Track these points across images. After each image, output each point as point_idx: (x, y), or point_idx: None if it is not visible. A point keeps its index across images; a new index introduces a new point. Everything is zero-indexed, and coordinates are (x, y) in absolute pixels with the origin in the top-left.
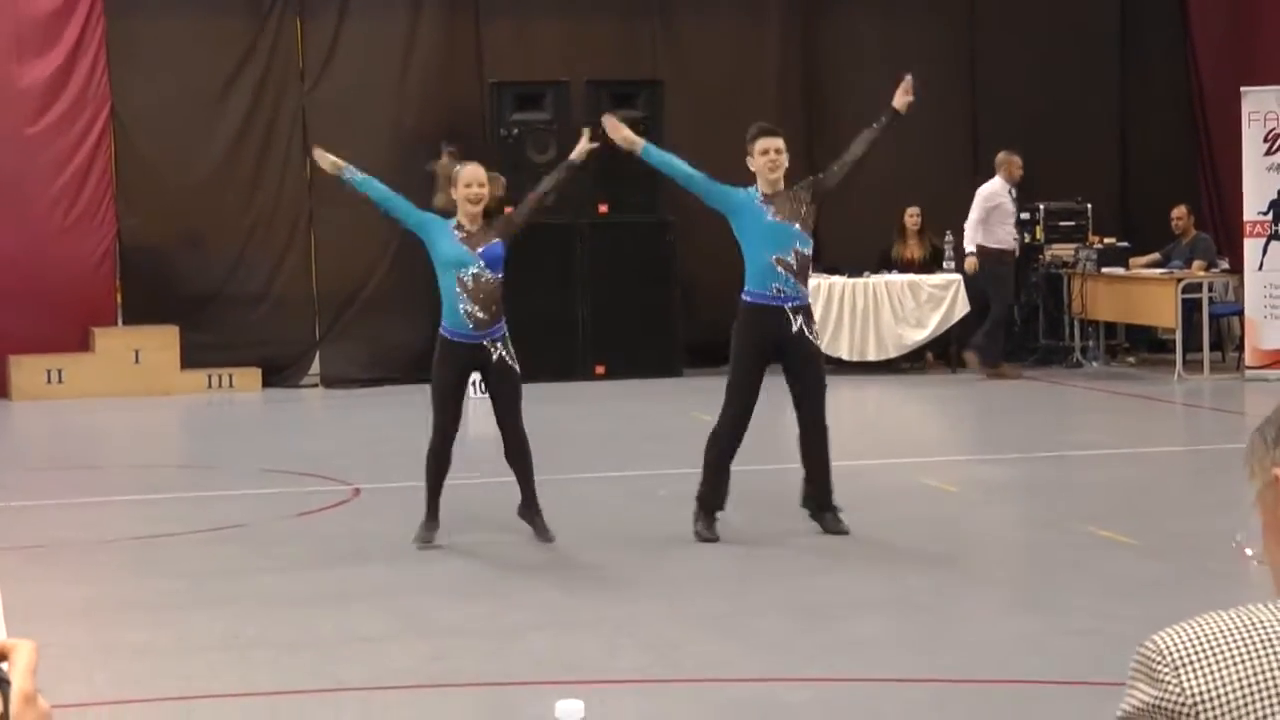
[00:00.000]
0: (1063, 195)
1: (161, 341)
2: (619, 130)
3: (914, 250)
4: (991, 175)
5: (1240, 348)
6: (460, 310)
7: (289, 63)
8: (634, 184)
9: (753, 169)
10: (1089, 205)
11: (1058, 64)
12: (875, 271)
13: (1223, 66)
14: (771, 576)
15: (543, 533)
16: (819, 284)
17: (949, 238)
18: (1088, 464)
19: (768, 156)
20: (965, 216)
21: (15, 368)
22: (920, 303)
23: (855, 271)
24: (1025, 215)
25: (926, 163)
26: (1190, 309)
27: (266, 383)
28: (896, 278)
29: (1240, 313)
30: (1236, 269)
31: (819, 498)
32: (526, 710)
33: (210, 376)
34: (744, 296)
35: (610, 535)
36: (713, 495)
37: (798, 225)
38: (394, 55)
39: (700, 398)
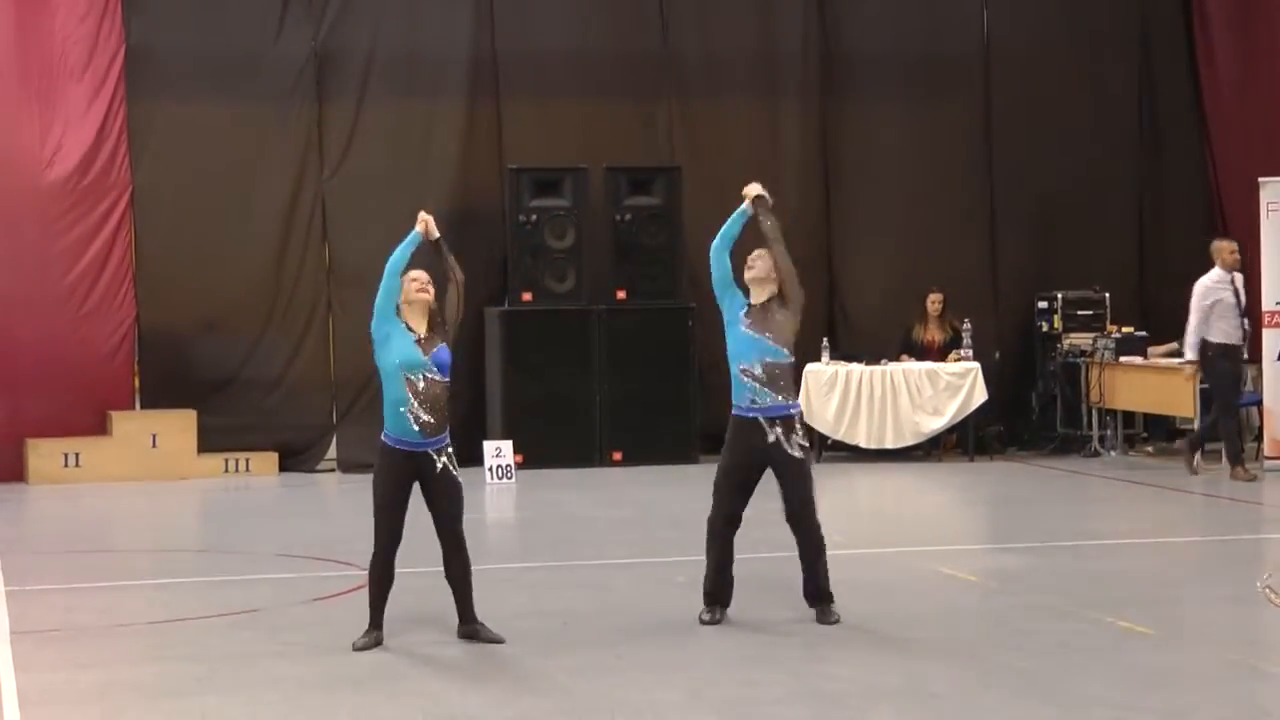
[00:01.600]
0: (1080, 284)
1: (179, 425)
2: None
3: (934, 334)
4: (1005, 261)
5: (1259, 438)
6: (407, 415)
7: (309, 147)
8: (653, 269)
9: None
10: (1107, 294)
11: (1074, 151)
12: (897, 354)
13: (1239, 157)
14: (789, 664)
15: (491, 638)
16: (837, 371)
17: (967, 324)
18: (1105, 553)
19: (748, 271)
20: (984, 303)
21: (33, 451)
22: (938, 390)
23: (873, 359)
24: (1043, 304)
25: (942, 251)
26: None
27: (283, 467)
28: (914, 366)
29: (1259, 403)
30: (1255, 359)
31: (812, 590)
32: None
33: (227, 460)
34: (733, 411)
35: (626, 622)
36: (715, 587)
37: (767, 336)
38: (413, 140)
39: (700, 487)
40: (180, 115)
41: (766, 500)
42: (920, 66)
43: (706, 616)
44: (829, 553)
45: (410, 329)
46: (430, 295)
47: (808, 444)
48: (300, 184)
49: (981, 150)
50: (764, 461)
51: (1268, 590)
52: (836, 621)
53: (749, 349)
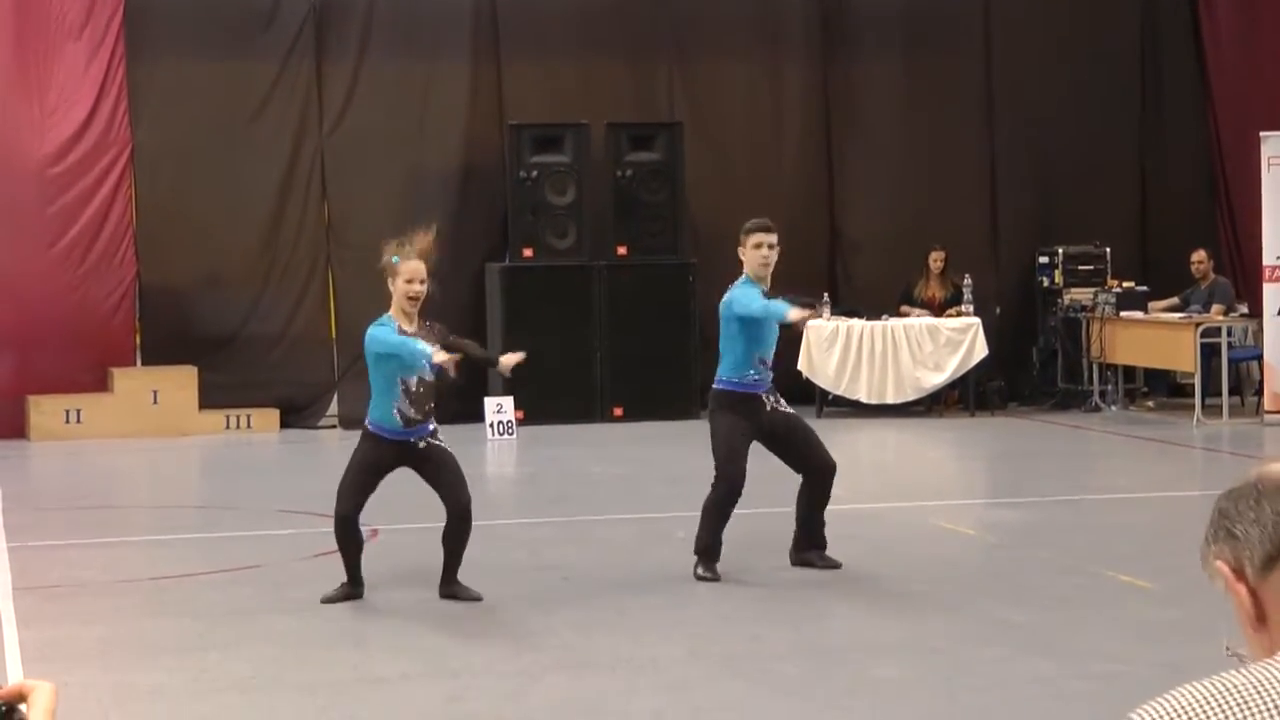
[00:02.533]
0: (1081, 239)
1: (180, 382)
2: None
3: (936, 291)
4: (1006, 217)
5: (1259, 392)
6: (394, 410)
7: (308, 105)
8: (653, 225)
9: (743, 258)
10: (1108, 249)
11: (1075, 108)
12: (897, 309)
13: (1240, 111)
14: (789, 619)
15: (470, 596)
16: (838, 326)
17: (968, 280)
18: (1106, 508)
19: (760, 251)
20: (985, 259)
21: (34, 408)
22: (939, 346)
23: (874, 314)
24: (1044, 259)
25: (943, 205)
26: (1209, 353)
27: (284, 423)
28: (915, 321)
29: (1259, 357)
30: (1255, 313)
31: (815, 537)
32: None
33: (228, 417)
34: (718, 384)
35: (628, 577)
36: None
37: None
38: (413, 97)
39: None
40: (180, 73)
41: (764, 458)
42: (922, 23)
43: (711, 574)
44: (829, 507)
45: (400, 328)
46: (424, 292)
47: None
48: (300, 141)
49: (983, 107)
50: (761, 435)
51: (1233, 652)
52: (839, 564)
53: (773, 340)
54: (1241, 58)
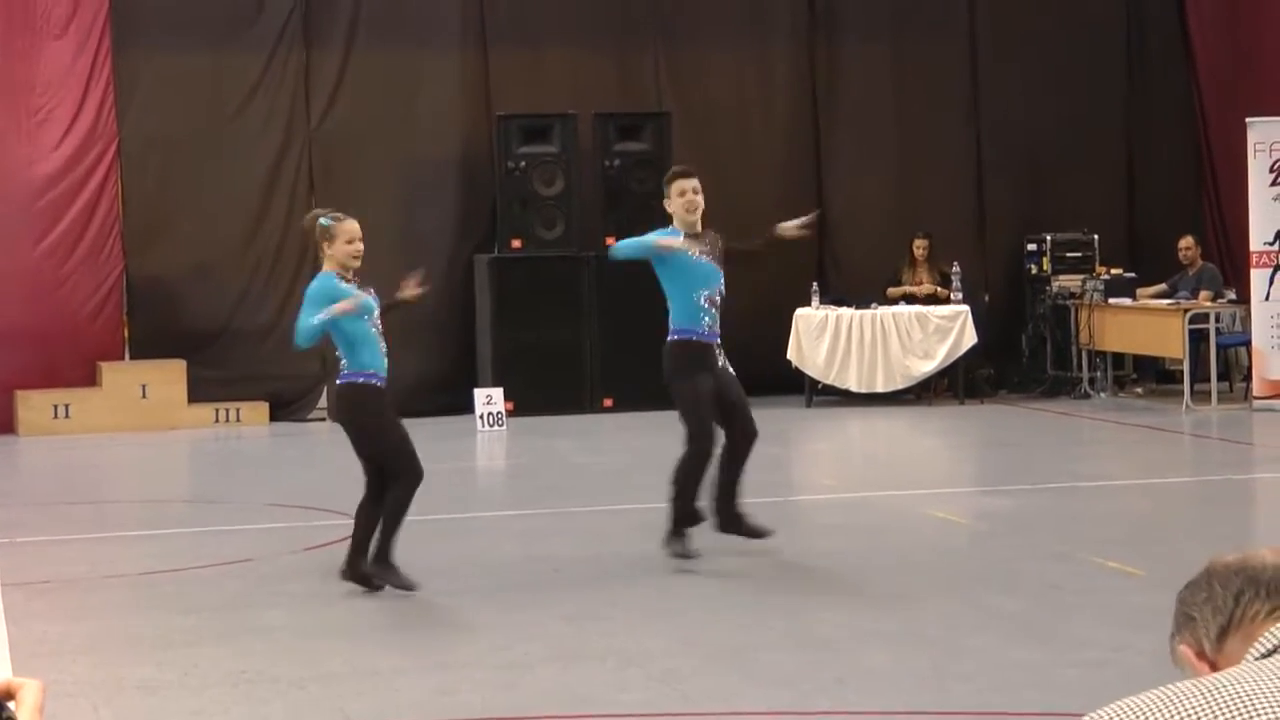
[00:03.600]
0: (1069, 226)
1: (168, 376)
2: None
3: (923, 279)
4: (994, 204)
5: (1248, 378)
6: (381, 350)
7: (296, 95)
8: (643, 215)
9: (670, 210)
10: (1096, 236)
11: (1062, 95)
12: (885, 296)
13: (1227, 97)
14: (780, 608)
15: (375, 586)
16: (826, 315)
17: (956, 267)
18: (1096, 495)
19: (685, 198)
20: (973, 246)
21: (22, 403)
22: (928, 334)
23: (863, 303)
24: (1032, 246)
25: (931, 193)
26: (1197, 339)
27: (274, 417)
28: (904, 309)
29: (1247, 343)
30: (1243, 299)
31: (732, 503)
32: None
33: (217, 411)
34: (674, 335)
35: (619, 568)
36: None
37: (719, 266)
38: (401, 88)
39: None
40: (166, 66)
41: (762, 444)
42: (908, 9)
43: (683, 551)
44: (819, 496)
45: (344, 279)
46: (361, 249)
47: None
48: (288, 134)
49: (969, 94)
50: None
51: None
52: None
53: (710, 276)
54: (1227, 43)
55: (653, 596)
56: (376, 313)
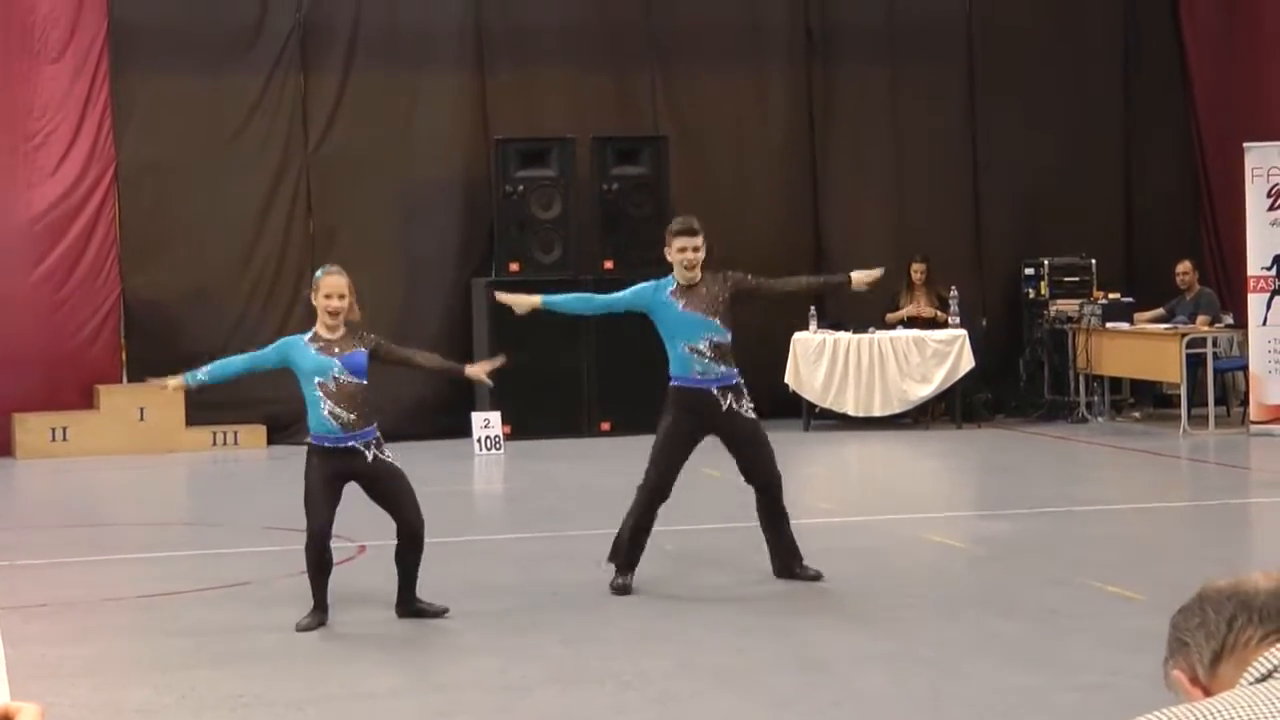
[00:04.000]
0: (1067, 251)
1: (166, 399)
2: (518, 301)
3: (921, 302)
4: (991, 229)
5: (1245, 403)
6: (324, 413)
7: (293, 118)
8: (640, 238)
9: (670, 260)
10: (1093, 260)
11: (1059, 119)
12: (884, 321)
13: (1223, 122)
14: (777, 631)
15: (434, 611)
16: (824, 339)
17: (954, 291)
18: (1093, 519)
19: (685, 254)
20: (971, 270)
21: (20, 426)
22: (925, 358)
23: (860, 327)
24: (1030, 271)
25: (928, 218)
26: (1195, 364)
27: (271, 440)
28: (901, 333)
29: (1245, 368)
30: (1240, 324)
31: (784, 560)
32: None
33: (215, 434)
34: (671, 381)
35: None
36: (634, 554)
37: (711, 316)
38: (399, 112)
39: (706, 455)
40: (164, 89)
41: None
42: (905, 34)
43: (621, 582)
44: (816, 520)
45: (316, 336)
46: (342, 306)
47: (752, 402)
48: (286, 156)
49: (966, 118)
50: (713, 429)
51: None
52: (819, 575)
53: (693, 327)
54: (1224, 68)
55: (650, 619)
56: (332, 373)
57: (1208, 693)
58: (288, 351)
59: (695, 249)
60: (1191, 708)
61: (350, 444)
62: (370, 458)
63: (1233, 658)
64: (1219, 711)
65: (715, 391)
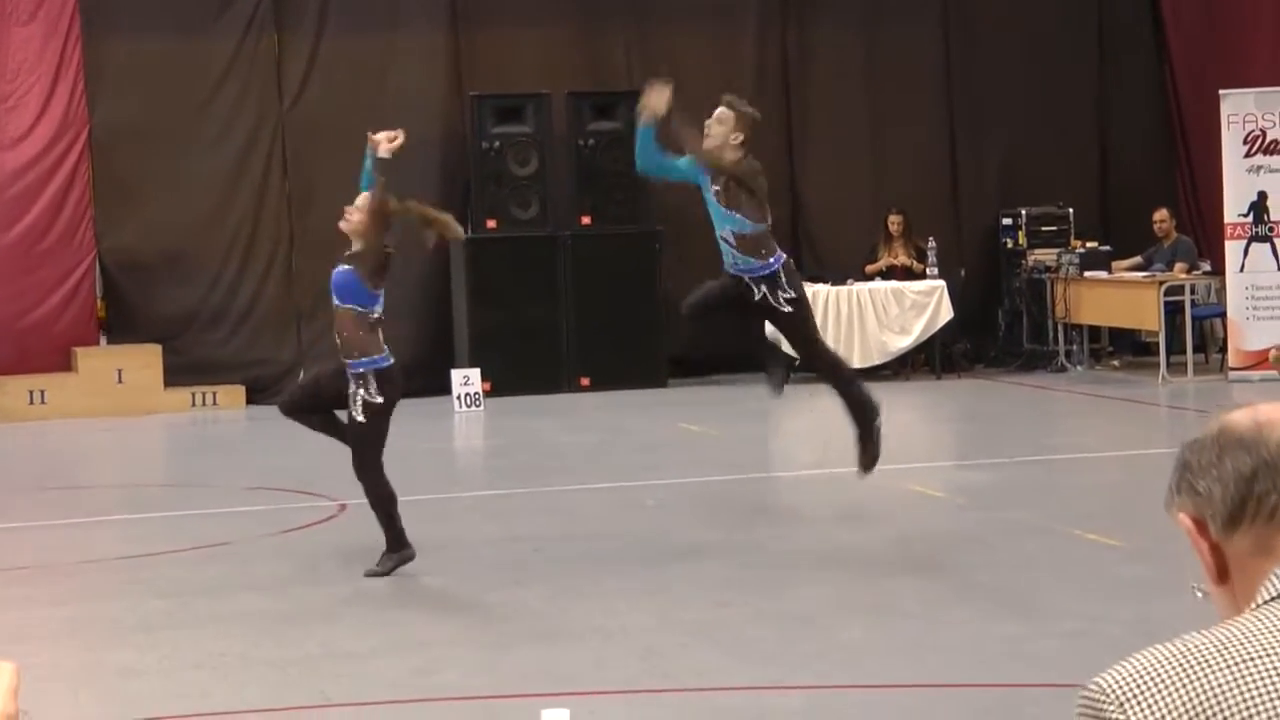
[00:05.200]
0: (1044, 200)
1: (144, 361)
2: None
3: (899, 254)
4: (967, 180)
5: (1223, 350)
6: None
7: (267, 79)
8: (617, 194)
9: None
10: (1070, 210)
11: (1034, 69)
12: (863, 273)
13: (1198, 69)
14: (759, 585)
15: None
16: (814, 291)
17: (932, 243)
18: (1073, 467)
19: (706, 135)
20: (948, 222)
21: None
22: (904, 309)
23: (838, 280)
24: (1007, 220)
25: (905, 169)
26: (1173, 312)
27: (250, 400)
28: (880, 285)
29: (1223, 315)
30: (1218, 271)
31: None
32: None
33: (194, 395)
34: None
35: (598, 547)
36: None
37: (729, 208)
38: (372, 70)
39: (686, 409)
40: (137, 51)
41: (739, 422)
42: None
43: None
44: (797, 473)
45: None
46: (349, 222)
47: (795, 293)
48: (260, 118)
49: (941, 69)
50: (755, 310)
51: (1195, 589)
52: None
53: (721, 220)
54: (1198, 15)
55: (632, 574)
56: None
57: (1216, 549)
58: None
59: (719, 120)
60: (1212, 636)
61: (349, 370)
62: (352, 392)
63: (1253, 529)
64: (1241, 643)
65: (748, 280)
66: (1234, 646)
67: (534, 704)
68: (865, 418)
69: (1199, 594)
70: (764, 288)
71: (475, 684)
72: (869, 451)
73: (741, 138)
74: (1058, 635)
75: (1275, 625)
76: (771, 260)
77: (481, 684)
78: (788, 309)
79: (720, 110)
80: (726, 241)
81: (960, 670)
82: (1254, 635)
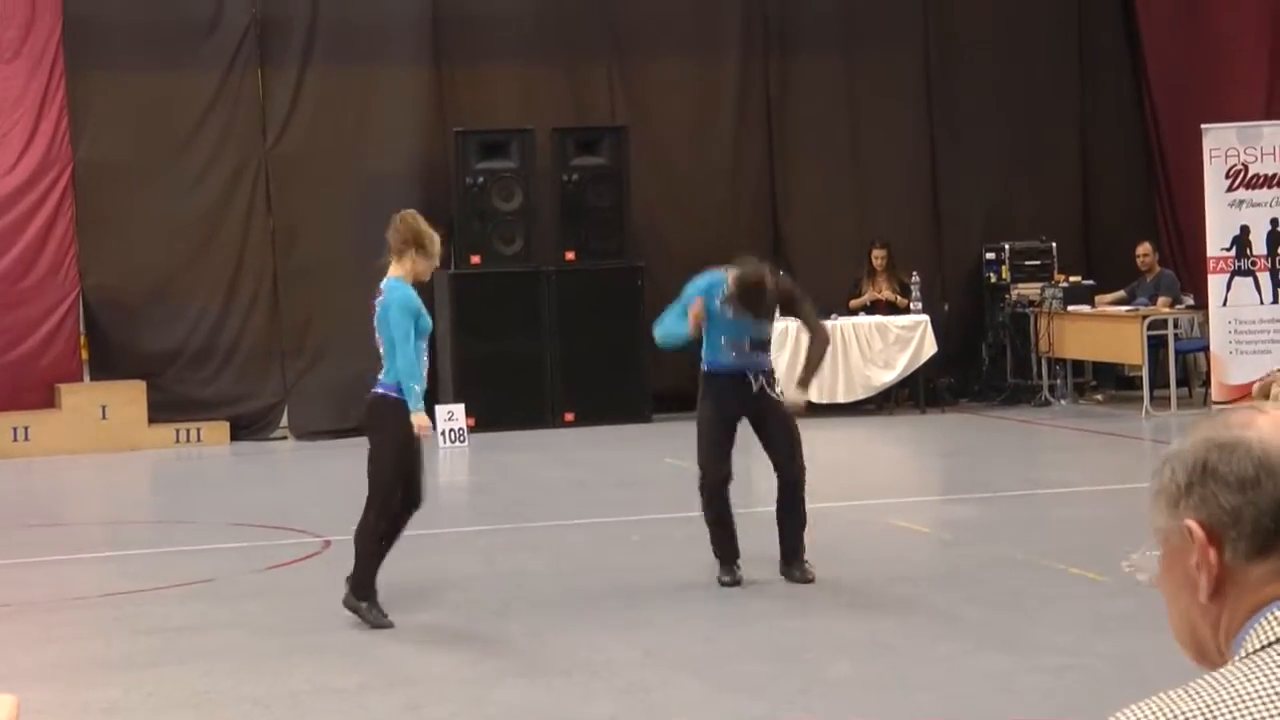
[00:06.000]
0: (1027, 235)
1: (128, 397)
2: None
3: (882, 288)
4: (951, 214)
5: (1206, 383)
6: (422, 369)
7: (251, 115)
8: (601, 229)
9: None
10: (1054, 244)
11: (1015, 103)
12: (847, 307)
13: (1178, 103)
14: (744, 620)
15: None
16: (787, 326)
17: (916, 277)
18: (1057, 502)
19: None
20: (931, 256)
21: None
22: (888, 344)
23: (822, 314)
24: (991, 255)
25: (888, 203)
26: (1156, 346)
27: (235, 436)
28: (864, 319)
29: (1206, 349)
30: (1201, 305)
31: (785, 551)
32: None
33: (178, 431)
34: (703, 366)
35: (583, 582)
36: (728, 547)
37: (757, 320)
38: (356, 105)
39: (671, 443)
40: (120, 87)
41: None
42: (861, 21)
43: (728, 578)
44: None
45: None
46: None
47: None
48: (243, 153)
49: (923, 104)
50: (745, 412)
51: (1134, 571)
52: (811, 579)
53: (743, 329)
54: (1178, 51)
55: (617, 609)
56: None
57: (1218, 577)
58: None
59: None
60: (1201, 700)
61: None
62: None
63: (1275, 559)
64: (1232, 713)
65: (749, 375)
66: (1224, 717)
67: None
68: (800, 539)
69: (1140, 578)
70: (762, 379)
71: (462, 719)
72: (805, 575)
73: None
74: (1043, 670)
75: (1267, 688)
76: (769, 359)
77: (468, 718)
78: (781, 397)
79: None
80: (739, 349)
81: (946, 705)
82: (1245, 701)
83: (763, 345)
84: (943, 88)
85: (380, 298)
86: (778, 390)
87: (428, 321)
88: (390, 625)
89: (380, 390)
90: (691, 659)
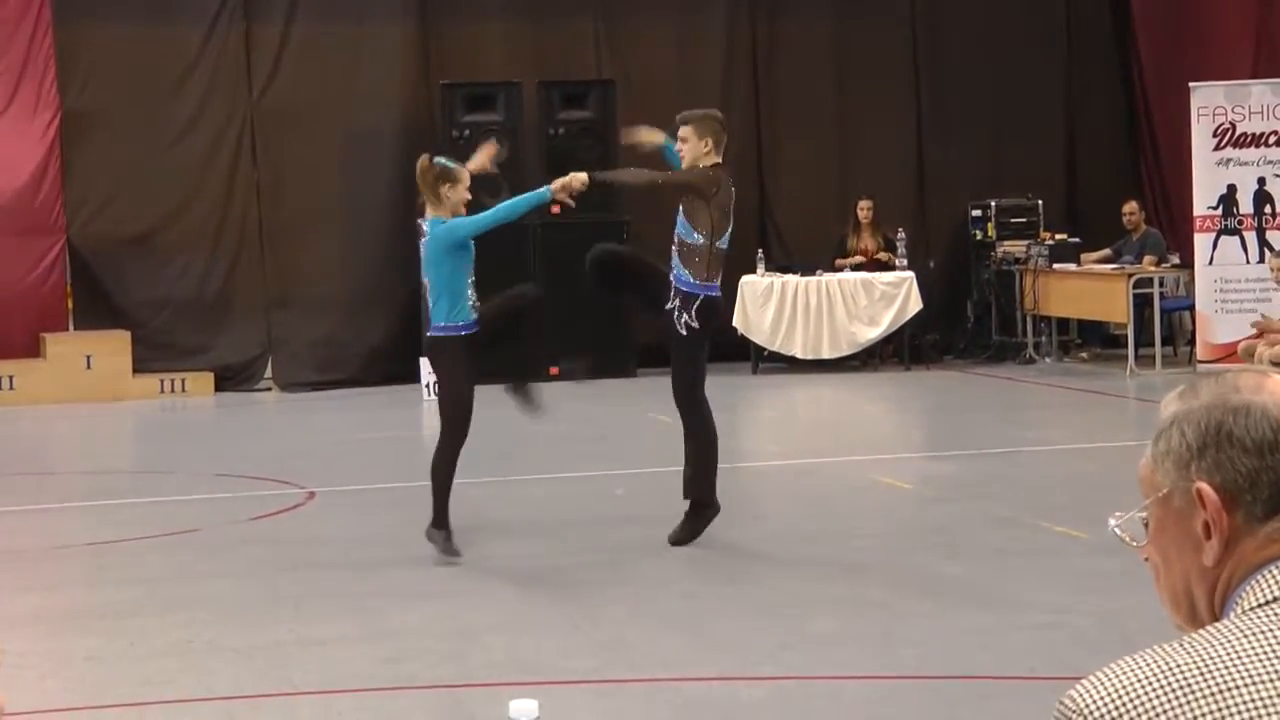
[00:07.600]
0: (1013, 192)
1: (113, 347)
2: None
3: (867, 242)
4: (936, 171)
5: (1192, 342)
6: (470, 305)
7: (237, 67)
8: None
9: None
10: (1040, 202)
11: (1002, 61)
12: (832, 265)
13: (1166, 63)
14: (726, 576)
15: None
16: (772, 282)
17: (901, 234)
18: (1041, 459)
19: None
20: (915, 213)
21: None
22: (873, 300)
23: (808, 269)
24: (976, 212)
25: (874, 160)
26: (1142, 304)
27: (220, 387)
28: (849, 276)
29: (1191, 307)
30: (1186, 264)
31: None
32: (482, 712)
33: (163, 381)
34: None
35: (566, 536)
36: None
37: (684, 215)
38: (342, 59)
39: (656, 398)
40: (108, 38)
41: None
42: None
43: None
44: (765, 463)
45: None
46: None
47: (699, 329)
48: (230, 106)
49: (909, 60)
50: (659, 311)
51: (1117, 530)
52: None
53: (677, 223)
54: (1167, 6)
55: (600, 564)
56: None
57: (1228, 535)
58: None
59: (683, 140)
60: (1196, 653)
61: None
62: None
63: (1276, 521)
64: (1226, 667)
65: (674, 285)
66: (1218, 671)
67: (502, 693)
68: (707, 498)
69: (1128, 542)
70: (678, 301)
71: (443, 673)
72: (694, 528)
73: (709, 143)
74: (1025, 627)
75: (1262, 645)
76: (700, 284)
77: (450, 673)
78: (683, 333)
79: (680, 130)
80: (674, 245)
81: (928, 662)
82: (1240, 657)
83: (684, 254)
84: (929, 45)
85: (424, 238)
86: (685, 322)
87: (471, 251)
88: (459, 557)
89: (433, 332)
90: (673, 614)
